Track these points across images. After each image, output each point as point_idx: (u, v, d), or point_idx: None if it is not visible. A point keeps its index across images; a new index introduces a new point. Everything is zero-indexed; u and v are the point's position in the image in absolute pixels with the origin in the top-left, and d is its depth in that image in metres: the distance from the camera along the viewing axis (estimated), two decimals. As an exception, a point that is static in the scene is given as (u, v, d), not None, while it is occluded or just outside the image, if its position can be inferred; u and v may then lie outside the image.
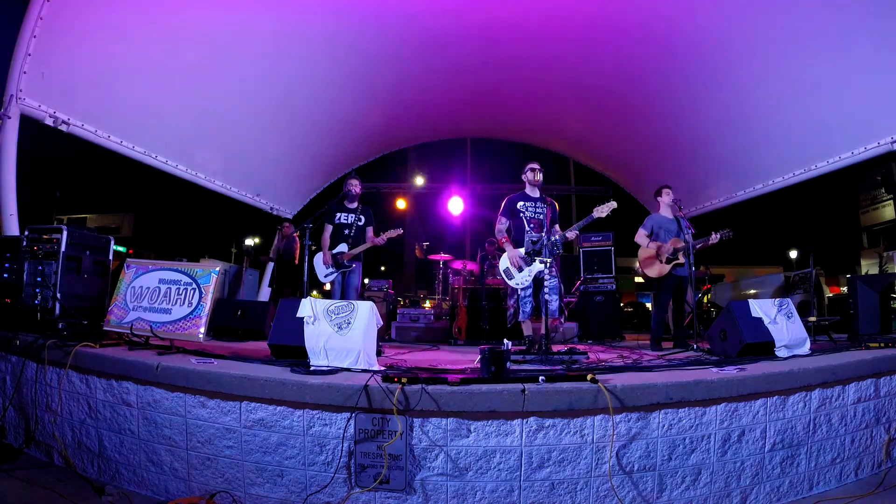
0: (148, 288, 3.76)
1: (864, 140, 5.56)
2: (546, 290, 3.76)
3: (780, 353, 3.29)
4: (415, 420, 2.39)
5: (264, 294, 8.73)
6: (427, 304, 8.67)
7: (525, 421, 2.39)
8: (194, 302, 3.64)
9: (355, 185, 4.87)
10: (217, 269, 3.76)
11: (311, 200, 9.89)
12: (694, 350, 4.17)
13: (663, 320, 5.03)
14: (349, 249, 4.71)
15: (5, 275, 3.74)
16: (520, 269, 4.19)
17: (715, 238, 4.68)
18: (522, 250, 4.20)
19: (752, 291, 8.56)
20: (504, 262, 4.28)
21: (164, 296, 3.70)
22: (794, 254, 22.16)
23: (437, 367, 3.13)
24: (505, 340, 2.95)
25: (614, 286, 6.96)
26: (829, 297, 7.77)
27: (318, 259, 4.77)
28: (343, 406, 2.41)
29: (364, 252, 4.81)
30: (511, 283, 4.24)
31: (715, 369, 2.83)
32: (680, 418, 2.50)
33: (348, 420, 2.41)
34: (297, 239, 6.97)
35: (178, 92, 5.80)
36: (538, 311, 4.06)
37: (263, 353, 3.32)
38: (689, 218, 5.33)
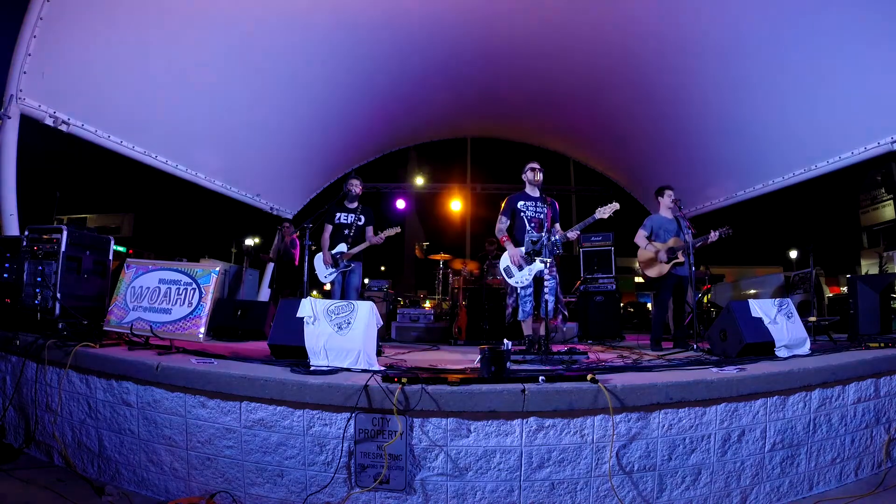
0: (148, 288, 3.76)
1: (864, 140, 5.56)
2: (546, 289, 3.77)
3: (780, 353, 3.29)
4: (415, 420, 2.39)
5: (264, 294, 8.76)
6: (427, 304, 8.65)
7: (525, 421, 2.39)
8: (194, 302, 3.65)
9: (356, 186, 4.87)
10: (217, 269, 3.77)
11: (312, 200, 9.88)
12: (694, 350, 4.17)
13: (663, 320, 5.03)
14: (349, 249, 4.72)
15: (5, 275, 3.74)
16: (520, 268, 4.19)
17: (714, 236, 4.68)
18: (523, 249, 4.20)
19: (752, 291, 8.55)
20: (504, 261, 4.28)
21: (164, 296, 3.71)
22: (794, 254, 22.20)
23: (437, 367, 3.13)
24: (505, 340, 2.94)
25: (614, 286, 6.96)
26: (829, 297, 7.75)
27: (319, 259, 4.77)
28: (343, 406, 2.41)
29: (364, 252, 4.80)
30: (511, 281, 4.24)
31: (715, 369, 2.83)
32: (680, 418, 2.50)
33: (348, 420, 2.41)
34: (298, 241, 6.98)
35: (178, 92, 5.80)
36: (538, 310, 4.06)
37: (263, 353, 3.32)
38: (689, 218, 5.32)
